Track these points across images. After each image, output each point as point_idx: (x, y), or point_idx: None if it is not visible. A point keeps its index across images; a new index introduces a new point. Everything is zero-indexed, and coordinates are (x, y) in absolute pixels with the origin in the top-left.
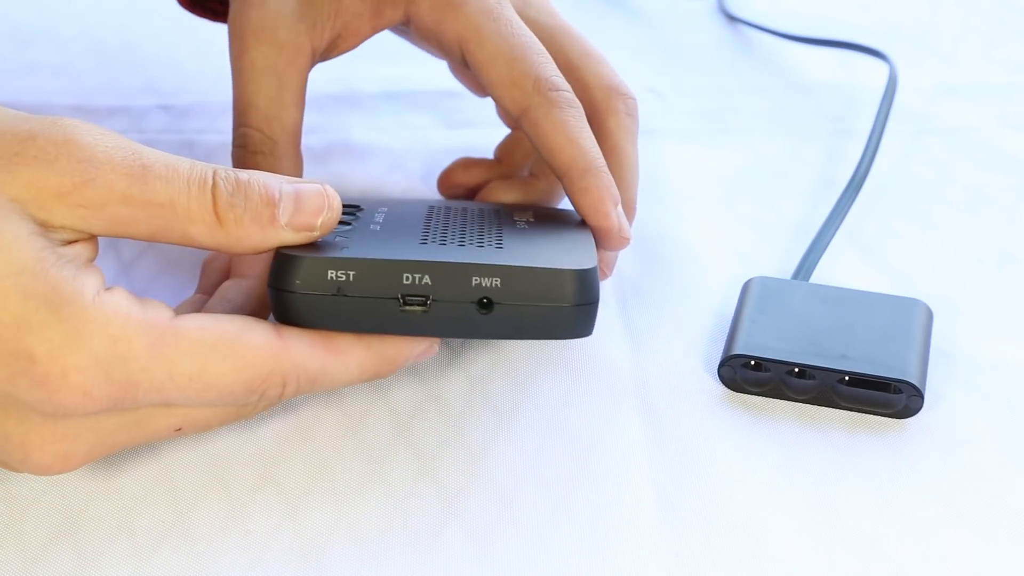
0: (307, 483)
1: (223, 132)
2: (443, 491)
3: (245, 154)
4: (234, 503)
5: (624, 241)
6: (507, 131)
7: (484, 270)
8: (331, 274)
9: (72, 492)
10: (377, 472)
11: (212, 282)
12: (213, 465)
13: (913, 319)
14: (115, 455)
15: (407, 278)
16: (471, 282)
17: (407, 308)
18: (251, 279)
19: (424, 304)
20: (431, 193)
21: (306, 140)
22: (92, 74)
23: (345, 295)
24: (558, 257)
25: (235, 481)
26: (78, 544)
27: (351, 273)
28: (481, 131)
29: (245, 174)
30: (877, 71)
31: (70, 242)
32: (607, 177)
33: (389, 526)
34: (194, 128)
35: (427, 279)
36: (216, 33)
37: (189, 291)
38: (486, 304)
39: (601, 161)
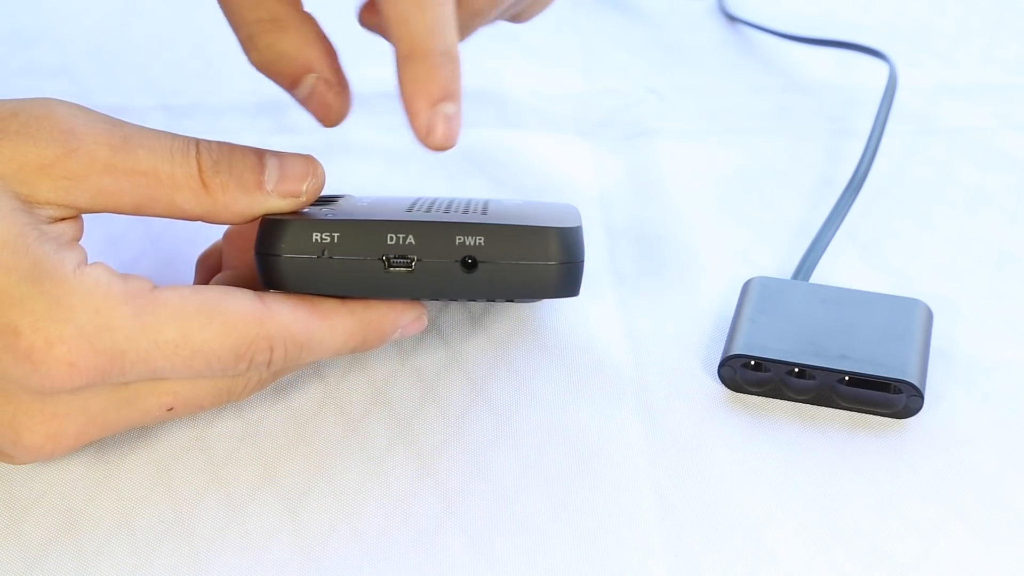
0: (307, 483)
1: (223, 132)
2: (443, 491)
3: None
4: (234, 503)
5: (433, 147)
6: (500, 130)
7: (468, 228)
8: (316, 236)
9: (72, 492)
10: (377, 472)
11: (205, 280)
12: (213, 465)
13: (913, 319)
14: (114, 454)
15: (391, 238)
16: (455, 241)
17: (392, 269)
18: (240, 268)
19: (409, 265)
20: (431, 193)
21: (306, 140)
22: (92, 74)
23: (331, 257)
24: (542, 218)
25: (235, 481)
26: (78, 544)
27: (336, 235)
28: (481, 131)
29: (228, 143)
30: (877, 71)
31: (55, 220)
32: (427, 67)
33: (389, 526)
34: (194, 128)
35: (411, 239)
36: (216, 33)
37: None
38: (470, 263)
39: (427, 46)
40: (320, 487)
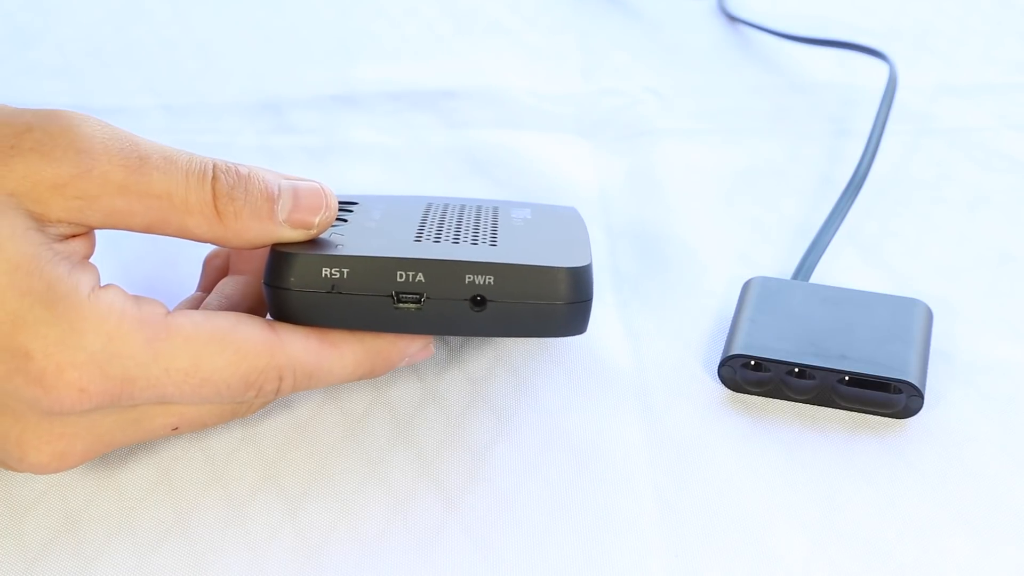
0: (307, 483)
1: (223, 132)
2: (443, 491)
3: None
4: (234, 503)
5: None
6: (500, 130)
7: (477, 268)
8: (325, 271)
9: (72, 492)
10: (377, 472)
11: (212, 280)
12: (213, 465)
13: (913, 319)
14: (115, 456)
15: (401, 276)
16: (464, 280)
17: (401, 306)
18: (248, 275)
19: (418, 302)
20: (431, 194)
21: (306, 140)
22: (92, 74)
23: (339, 292)
24: (552, 255)
25: (235, 481)
26: (78, 544)
27: (345, 271)
28: (481, 131)
29: (244, 168)
30: (877, 71)
31: (67, 237)
32: None
33: (389, 526)
34: (194, 128)
35: (420, 277)
36: (216, 33)
37: (189, 290)
38: (480, 302)
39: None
40: (320, 487)
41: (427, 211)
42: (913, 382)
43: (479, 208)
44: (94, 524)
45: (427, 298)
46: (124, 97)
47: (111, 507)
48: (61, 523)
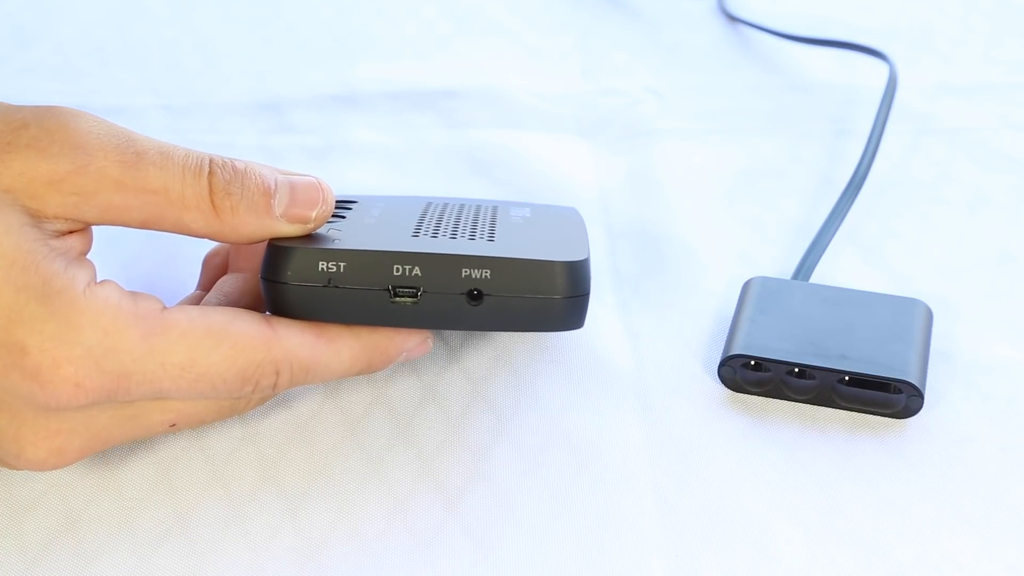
0: (307, 483)
1: (223, 132)
2: (443, 491)
3: None
4: (234, 503)
5: None
6: (500, 130)
7: (474, 261)
8: (322, 265)
9: (72, 492)
10: (377, 472)
11: (211, 278)
12: (213, 465)
13: (913, 319)
14: (115, 455)
15: (397, 269)
16: (461, 273)
17: (398, 299)
18: (247, 273)
19: (414, 296)
20: (431, 193)
21: (306, 140)
22: (92, 74)
23: (336, 286)
24: (549, 249)
25: (235, 481)
26: (78, 544)
27: (342, 264)
28: (481, 131)
29: (241, 163)
30: (877, 71)
31: (63, 233)
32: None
33: (389, 526)
34: (194, 128)
35: (417, 270)
36: (216, 33)
37: (189, 289)
38: (476, 296)
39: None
40: (320, 487)
41: (426, 209)
42: (913, 382)
43: (478, 207)
44: (94, 524)
45: (424, 292)
46: (124, 97)
47: (111, 507)
48: (61, 523)
